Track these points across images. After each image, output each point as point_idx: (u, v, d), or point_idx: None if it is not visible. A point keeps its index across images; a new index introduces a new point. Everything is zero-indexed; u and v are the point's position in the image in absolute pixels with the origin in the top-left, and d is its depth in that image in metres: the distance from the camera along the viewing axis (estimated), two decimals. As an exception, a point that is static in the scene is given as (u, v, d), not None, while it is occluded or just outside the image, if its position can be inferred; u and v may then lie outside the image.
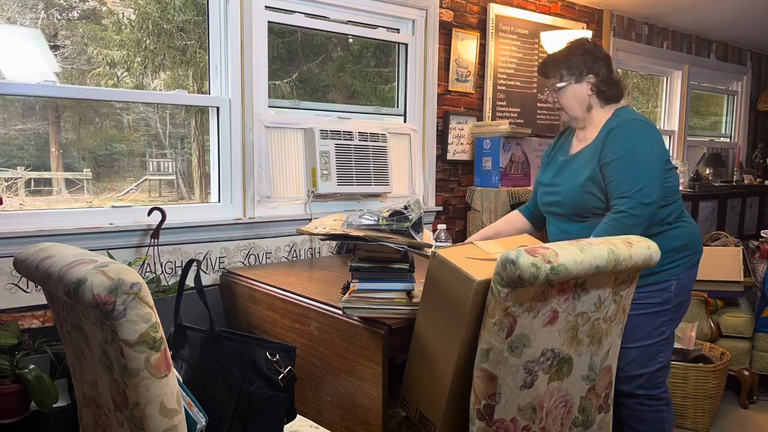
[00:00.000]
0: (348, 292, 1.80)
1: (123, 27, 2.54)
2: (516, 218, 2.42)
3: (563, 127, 2.38)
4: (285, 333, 2.14)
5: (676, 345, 2.96)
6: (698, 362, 2.92)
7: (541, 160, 2.37)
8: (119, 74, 2.56)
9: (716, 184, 5.07)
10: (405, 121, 3.33)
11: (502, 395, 1.47)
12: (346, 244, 2.93)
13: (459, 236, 3.52)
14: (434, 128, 3.37)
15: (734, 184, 5.34)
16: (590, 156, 2.08)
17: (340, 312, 1.87)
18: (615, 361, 1.71)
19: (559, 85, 2.15)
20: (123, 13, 2.53)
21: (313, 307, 2.00)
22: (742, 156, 5.93)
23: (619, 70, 4.57)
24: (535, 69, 3.85)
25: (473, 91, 3.53)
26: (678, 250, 2.05)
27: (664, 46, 4.90)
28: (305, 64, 3.07)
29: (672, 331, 2.10)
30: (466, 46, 3.45)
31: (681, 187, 4.62)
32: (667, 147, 5.39)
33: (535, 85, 3.87)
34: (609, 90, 2.13)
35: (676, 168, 2.16)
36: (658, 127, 5.26)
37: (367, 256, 1.76)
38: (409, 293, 1.77)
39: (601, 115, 2.13)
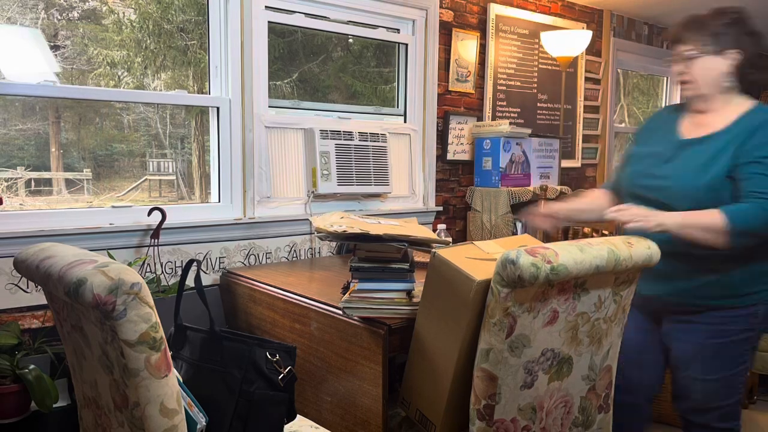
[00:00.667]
0: (348, 292, 1.80)
1: (123, 27, 2.54)
2: (601, 196, 2.09)
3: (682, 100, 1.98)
4: (285, 333, 2.14)
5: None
6: (698, 362, 2.91)
7: (635, 136, 2.05)
8: (120, 74, 2.56)
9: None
10: (405, 121, 3.33)
11: (502, 395, 1.47)
12: (346, 244, 2.93)
13: (459, 236, 3.52)
14: (434, 128, 3.37)
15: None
16: (722, 147, 1.74)
17: (340, 312, 1.87)
18: (615, 361, 1.70)
19: (692, 52, 1.78)
20: (123, 13, 2.54)
21: (313, 307, 2.00)
22: (742, 156, 5.92)
23: (619, 70, 4.57)
24: (536, 69, 3.85)
25: (473, 91, 3.54)
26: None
27: (664, 46, 4.90)
28: (305, 64, 3.07)
29: (751, 359, 1.87)
30: (466, 46, 3.46)
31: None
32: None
33: (535, 85, 3.87)
34: (752, 74, 1.78)
35: None
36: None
37: (367, 256, 1.76)
38: (409, 293, 1.77)
39: (735, 102, 1.80)
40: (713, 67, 1.78)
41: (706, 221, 1.64)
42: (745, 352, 1.83)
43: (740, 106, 1.80)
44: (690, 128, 1.86)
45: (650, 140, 1.95)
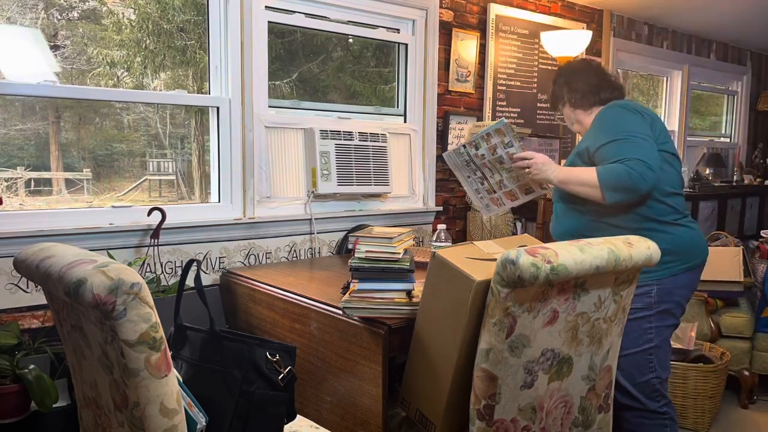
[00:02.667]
0: (348, 292, 1.80)
1: (123, 27, 2.54)
2: None
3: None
4: (285, 333, 2.14)
5: (677, 345, 2.95)
6: (698, 362, 2.92)
7: None
8: (119, 74, 2.56)
9: (716, 184, 5.07)
10: (405, 121, 3.33)
11: (502, 395, 1.47)
12: (345, 244, 2.93)
13: (459, 236, 3.52)
14: (434, 128, 3.37)
15: (734, 184, 5.34)
16: (583, 140, 2.14)
17: (340, 312, 1.87)
18: (615, 361, 1.70)
19: (557, 115, 2.30)
20: (123, 13, 2.54)
21: (313, 307, 2.00)
22: (742, 156, 5.93)
23: (619, 70, 4.57)
24: (536, 69, 3.86)
25: (473, 91, 3.53)
26: (662, 253, 1.87)
27: (664, 46, 4.90)
28: (305, 64, 3.07)
29: (662, 340, 2.01)
30: (466, 46, 3.46)
31: (681, 187, 4.62)
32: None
33: (535, 85, 3.87)
34: (590, 98, 2.19)
35: (677, 158, 2.10)
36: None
37: (367, 256, 1.76)
38: (409, 293, 1.77)
39: (589, 118, 2.19)
40: (565, 114, 2.31)
41: (583, 176, 1.98)
42: (647, 330, 1.99)
43: (592, 117, 2.19)
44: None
45: None
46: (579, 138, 2.32)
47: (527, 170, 2.13)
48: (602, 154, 1.97)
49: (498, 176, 2.23)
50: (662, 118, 5.27)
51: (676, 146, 2.21)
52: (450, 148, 3.43)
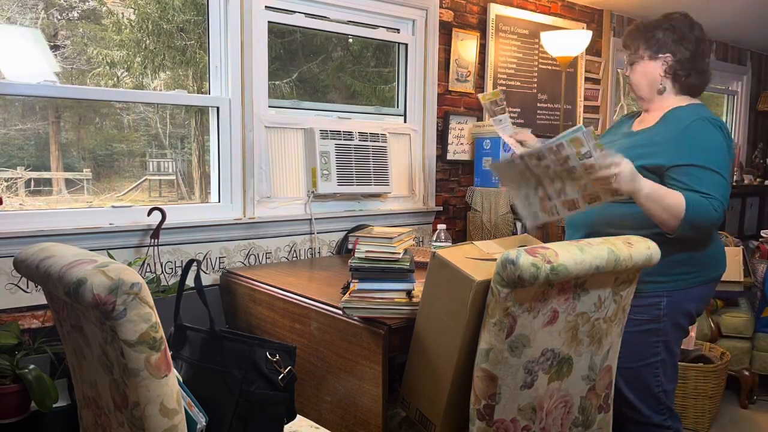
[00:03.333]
0: (348, 292, 1.80)
1: (123, 27, 2.54)
2: None
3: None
4: (285, 333, 2.14)
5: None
6: (698, 362, 2.92)
7: (605, 132, 2.16)
8: (119, 74, 2.56)
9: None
10: (405, 121, 3.33)
11: (502, 395, 1.47)
12: (346, 244, 2.93)
13: (459, 236, 3.52)
14: (434, 128, 3.37)
15: (734, 184, 5.34)
16: (648, 142, 1.83)
17: (340, 312, 1.87)
18: (615, 361, 1.70)
19: (632, 57, 1.92)
20: (123, 14, 2.54)
21: (313, 307, 2.00)
22: (742, 156, 5.93)
23: (619, 70, 4.57)
24: (536, 69, 3.85)
25: (473, 91, 3.53)
26: (677, 263, 1.81)
27: (664, 46, 4.90)
28: (305, 64, 3.07)
29: (669, 353, 1.89)
30: (466, 46, 3.46)
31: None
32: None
33: (536, 85, 3.87)
34: (687, 76, 1.88)
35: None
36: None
37: (367, 256, 1.76)
38: (409, 293, 1.77)
39: (668, 103, 1.89)
40: (648, 71, 1.90)
41: (671, 201, 1.70)
42: (654, 344, 1.86)
43: (675, 104, 1.88)
44: (636, 125, 1.99)
45: (608, 133, 2.10)
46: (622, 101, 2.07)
47: (611, 180, 1.65)
48: (683, 174, 1.75)
49: (559, 184, 1.74)
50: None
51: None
52: (450, 148, 3.43)
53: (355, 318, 1.81)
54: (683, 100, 1.90)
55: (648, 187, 1.69)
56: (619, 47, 4.46)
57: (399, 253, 1.75)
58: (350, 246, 2.81)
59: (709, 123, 1.80)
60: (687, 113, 1.84)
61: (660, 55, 1.89)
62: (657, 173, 1.80)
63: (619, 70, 4.57)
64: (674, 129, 1.82)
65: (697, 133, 1.78)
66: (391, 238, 1.76)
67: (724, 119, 5.97)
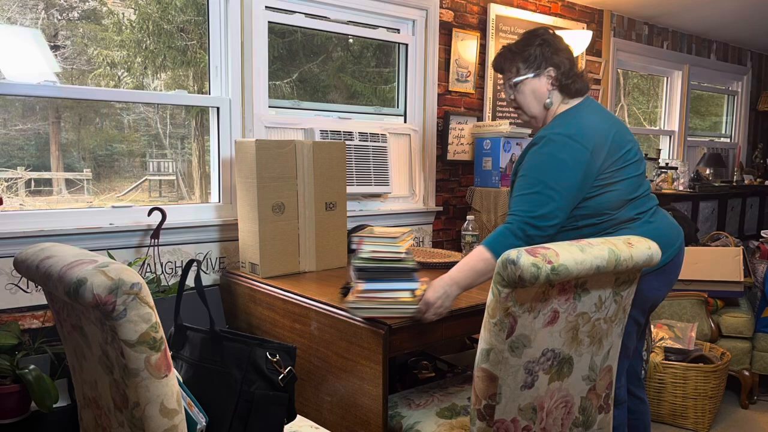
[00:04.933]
0: (352, 293, 1.80)
1: (123, 27, 2.54)
2: None
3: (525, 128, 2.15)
4: (285, 333, 2.14)
5: (676, 345, 2.96)
6: (698, 362, 2.91)
7: None
8: (119, 75, 2.56)
9: (716, 185, 5.06)
10: (405, 121, 3.33)
11: (503, 395, 1.47)
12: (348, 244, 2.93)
13: (459, 236, 3.52)
14: (434, 128, 3.37)
15: (734, 184, 5.34)
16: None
17: (340, 312, 1.87)
18: (615, 361, 1.70)
19: (515, 79, 1.94)
20: (123, 14, 2.53)
21: (313, 307, 1.99)
22: (742, 156, 5.93)
23: (619, 70, 4.57)
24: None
25: (473, 92, 3.54)
26: None
27: (664, 46, 4.90)
28: (305, 64, 3.07)
29: (634, 344, 1.92)
30: (466, 46, 3.46)
31: (681, 187, 4.62)
32: (618, 149, 5.24)
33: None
34: (572, 83, 1.92)
35: (628, 177, 1.87)
36: (656, 126, 5.26)
37: (372, 256, 1.76)
38: (413, 292, 1.77)
39: (552, 116, 1.95)
40: (536, 88, 1.92)
41: (475, 264, 1.74)
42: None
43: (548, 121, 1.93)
44: None
45: None
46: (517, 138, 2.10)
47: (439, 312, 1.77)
48: (516, 191, 1.83)
49: None
50: (662, 118, 5.27)
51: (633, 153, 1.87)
52: (450, 148, 3.43)
53: (356, 318, 1.81)
54: (560, 108, 1.94)
55: (455, 276, 1.75)
56: (620, 47, 4.47)
57: (403, 253, 1.75)
58: (353, 246, 2.81)
59: (545, 141, 1.81)
60: (542, 131, 1.87)
61: (543, 71, 1.91)
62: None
63: (619, 70, 4.57)
64: (531, 147, 1.88)
65: (529, 151, 1.86)
66: (396, 238, 1.76)
67: (724, 119, 5.98)
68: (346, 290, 1.99)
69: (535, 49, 1.92)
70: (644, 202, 1.89)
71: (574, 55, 1.97)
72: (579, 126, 1.83)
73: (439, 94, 3.37)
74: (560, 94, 1.94)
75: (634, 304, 1.83)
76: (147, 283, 1.99)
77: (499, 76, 2.33)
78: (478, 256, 1.75)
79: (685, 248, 2.08)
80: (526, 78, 1.93)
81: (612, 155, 1.82)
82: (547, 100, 1.93)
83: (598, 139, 1.81)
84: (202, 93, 2.72)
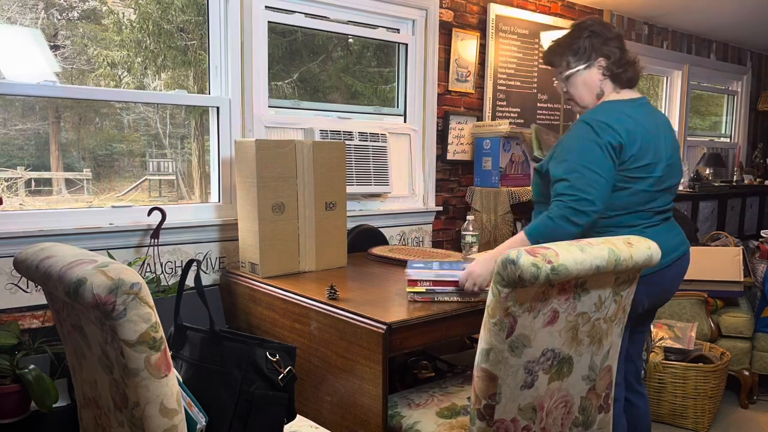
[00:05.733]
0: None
1: (123, 27, 2.54)
2: None
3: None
4: (285, 333, 2.14)
5: (676, 345, 2.96)
6: (698, 362, 2.91)
7: None
8: (120, 75, 2.56)
9: (716, 184, 5.07)
10: (405, 121, 3.33)
11: (503, 395, 1.47)
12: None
13: (459, 236, 3.52)
14: (434, 128, 3.37)
15: (734, 184, 5.34)
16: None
17: (340, 312, 1.87)
18: (615, 361, 1.70)
19: (566, 73, 1.97)
20: (123, 14, 2.53)
21: (313, 307, 1.99)
22: (742, 156, 5.93)
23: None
24: (536, 69, 3.85)
25: (473, 91, 3.54)
26: None
27: (664, 46, 4.90)
28: (306, 64, 3.07)
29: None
30: (466, 46, 3.46)
31: (681, 187, 4.62)
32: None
33: (536, 85, 3.87)
34: (624, 72, 1.94)
35: (646, 183, 1.88)
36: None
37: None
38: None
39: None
40: (587, 79, 1.95)
41: (512, 243, 1.85)
42: None
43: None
44: None
45: None
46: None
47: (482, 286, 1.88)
48: (552, 167, 1.87)
49: None
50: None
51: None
52: (450, 148, 3.43)
53: (357, 318, 1.81)
54: (609, 98, 1.96)
55: (495, 254, 1.87)
56: (619, 47, 4.47)
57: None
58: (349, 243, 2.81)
59: (582, 124, 1.86)
60: (581, 116, 1.90)
61: (594, 62, 1.94)
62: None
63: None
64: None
65: (566, 134, 1.89)
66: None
67: (724, 119, 5.97)
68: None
69: (583, 41, 1.93)
70: (650, 216, 1.91)
71: (623, 41, 1.98)
72: (616, 116, 1.85)
73: (439, 94, 3.37)
74: (612, 83, 1.96)
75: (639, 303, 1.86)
76: (147, 283, 1.99)
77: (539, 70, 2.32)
78: (520, 240, 1.83)
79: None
80: (577, 70, 1.95)
81: (635, 161, 1.84)
82: (599, 90, 1.95)
83: (626, 137, 1.83)
84: (202, 93, 2.72)
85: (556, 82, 2.04)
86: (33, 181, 2.42)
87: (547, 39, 3.59)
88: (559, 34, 3.54)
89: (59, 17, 2.41)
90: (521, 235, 1.85)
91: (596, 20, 1.99)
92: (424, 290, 1.94)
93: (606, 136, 1.81)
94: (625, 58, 1.95)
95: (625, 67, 1.95)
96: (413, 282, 1.95)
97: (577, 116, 1.97)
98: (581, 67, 1.95)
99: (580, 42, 1.94)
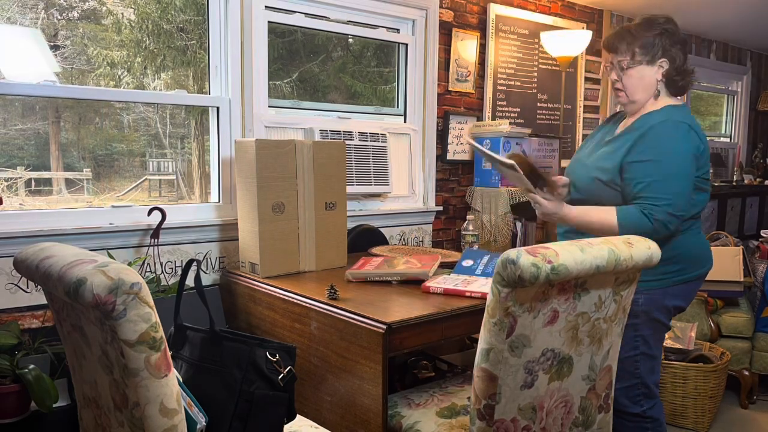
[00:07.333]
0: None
1: (123, 27, 2.54)
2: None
3: (618, 109, 2.19)
4: (285, 333, 2.14)
5: (677, 345, 2.95)
6: (698, 362, 2.91)
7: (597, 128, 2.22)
8: (119, 74, 2.56)
9: (716, 184, 5.07)
10: (405, 121, 3.33)
11: (503, 395, 1.47)
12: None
13: (459, 236, 3.52)
14: (434, 128, 3.37)
15: (734, 184, 5.34)
16: (620, 146, 1.91)
17: (340, 311, 1.87)
18: (615, 361, 1.70)
19: (629, 63, 1.92)
20: (123, 14, 2.53)
21: (313, 307, 1.99)
22: (742, 156, 5.93)
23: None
24: (536, 69, 3.85)
25: (473, 91, 3.53)
26: (662, 261, 1.76)
27: (664, 46, 4.90)
28: (305, 64, 3.07)
29: (651, 348, 1.95)
30: (466, 46, 3.46)
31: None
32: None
33: (535, 85, 3.87)
34: (681, 79, 1.93)
35: (709, 181, 1.95)
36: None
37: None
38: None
39: (653, 105, 1.94)
40: (646, 75, 1.92)
41: (601, 218, 1.86)
42: (632, 338, 1.90)
43: (649, 109, 1.93)
44: (620, 129, 2.02)
45: (596, 133, 2.14)
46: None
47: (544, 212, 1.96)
48: (633, 170, 1.84)
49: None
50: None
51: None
52: (450, 147, 3.43)
53: (357, 317, 1.81)
54: (666, 102, 1.94)
55: (574, 213, 1.91)
56: (619, 47, 4.46)
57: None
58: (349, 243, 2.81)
59: (673, 126, 1.83)
60: (657, 116, 1.88)
61: (657, 60, 1.91)
62: (612, 173, 1.89)
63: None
64: (639, 131, 1.88)
65: (657, 134, 1.83)
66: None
67: (724, 119, 5.97)
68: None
69: (655, 37, 1.91)
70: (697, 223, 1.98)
71: (687, 48, 1.99)
72: (693, 122, 1.87)
73: (438, 94, 3.37)
74: (666, 87, 1.95)
75: (675, 308, 1.95)
76: (147, 282, 1.99)
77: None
78: (605, 213, 1.85)
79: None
80: (640, 64, 1.92)
81: (708, 161, 1.90)
82: (656, 91, 1.93)
83: (704, 140, 1.87)
84: (202, 93, 2.72)
85: (608, 67, 2.00)
86: (33, 181, 2.42)
87: (547, 39, 3.59)
88: (559, 33, 3.55)
89: (59, 17, 2.41)
90: (613, 215, 1.83)
91: (670, 19, 1.97)
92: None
93: (696, 141, 1.83)
94: (685, 66, 1.93)
95: (683, 75, 1.93)
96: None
97: (618, 108, 2.00)
98: (644, 62, 1.91)
99: (651, 37, 1.90)
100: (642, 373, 1.96)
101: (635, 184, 1.83)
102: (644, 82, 1.92)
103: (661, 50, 1.90)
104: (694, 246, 1.95)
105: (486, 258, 2.28)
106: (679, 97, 1.98)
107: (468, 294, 1.98)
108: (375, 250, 2.79)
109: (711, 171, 1.99)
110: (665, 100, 1.95)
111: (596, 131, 2.17)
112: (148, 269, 2.43)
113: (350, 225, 3.00)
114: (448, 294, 2.02)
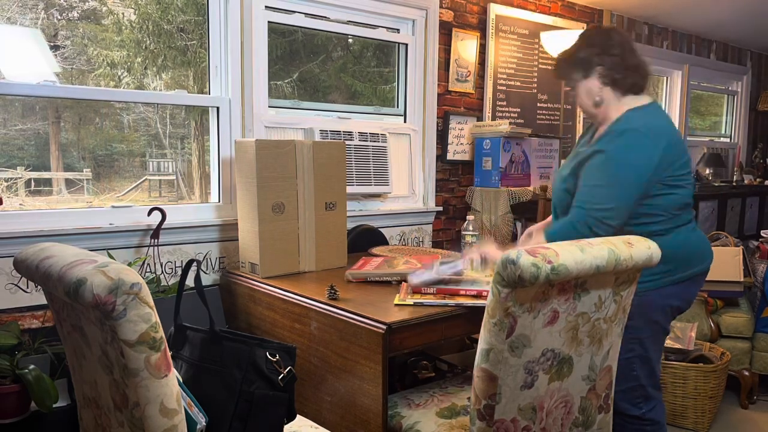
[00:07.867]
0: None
1: (123, 27, 2.54)
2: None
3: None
4: (285, 333, 2.14)
5: (677, 345, 2.95)
6: (698, 362, 2.91)
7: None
8: (120, 75, 2.56)
9: (716, 184, 5.06)
10: (405, 121, 3.33)
11: (503, 395, 1.47)
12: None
13: (459, 236, 3.52)
14: (434, 128, 3.37)
15: (734, 184, 5.34)
16: (586, 157, 1.93)
17: (340, 312, 1.87)
18: (615, 361, 1.70)
19: (570, 84, 2.03)
20: (123, 14, 2.53)
21: (313, 307, 1.99)
22: (742, 156, 5.93)
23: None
24: (536, 69, 3.86)
25: (473, 91, 3.53)
26: None
27: (664, 46, 4.90)
28: (305, 64, 3.07)
29: (647, 351, 1.94)
30: (466, 46, 3.46)
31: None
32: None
33: (535, 85, 3.87)
34: (624, 78, 1.93)
35: (689, 182, 1.95)
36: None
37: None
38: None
39: (614, 111, 1.96)
40: (588, 88, 1.98)
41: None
42: (627, 341, 1.86)
43: (618, 112, 1.94)
44: (594, 140, 2.02)
45: (576, 146, 2.17)
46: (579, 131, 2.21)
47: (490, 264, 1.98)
48: (584, 182, 1.90)
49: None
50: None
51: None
52: (450, 148, 3.43)
53: (356, 318, 1.81)
54: (627, 104, 1.95)
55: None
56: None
57: None
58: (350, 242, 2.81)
59: (624, 135, 1.85)
60: (614, 126, 1.91)
61: (591, 71, 1.97)
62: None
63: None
64: (602, 140, 1.91)
65: (609, 141, 1.87)
66: None
67: (724, 119, 5.97)
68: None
69: (581, 51, 1.98)
70: (690, 211, 1.97)
71: (630, 45, 1.98)
72: (650, 124, 1.87)
73: (438, 94, 3.37)
74: (613, 89, 1.96)
75: (673, 309, 1.95)
76: (147, 283, 1.99)
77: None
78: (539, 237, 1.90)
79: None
80: (578, 81, 2.00)
81: (680, 157, 1.89)
82: (597, 98, 1.97)
83: (669, 138, 1.87)
84: (202, 93, 2.72)
85: (566, 95, 2.10)
86: (33, 181, 2.42)
87: (547, 39, 3.59)
88: (559, 33, 3.55)
89: (59, 17, 2.41)
90: (542, 238, 1.89)
91: (599, 30, 2.04)
92: (412, 303, 1.91)
93: (648, 148, 1.84)
94: (625, 64, 1.93)
95: (626, 72, 1.94)
96: (417, 290, 1.97)
97: (600, 128, 2.02)
98: (580, 77, 1.99)
99: (579, 53, 1.98)
100: (640, 375, 1.96)
101: (580, 184, 1.90)
102: (590, 95, 1.99)
103: (593, 60, 1.95)
104: (683, 245, 1.93)
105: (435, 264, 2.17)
106: (641, 95, 1.98)
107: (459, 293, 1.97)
108: (375, 250, 2.79)
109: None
110: (628, 103, 1.95)
111: (576, 144, 2.21)
112: (148, 269, 2.43)
113: (350, 225, 3.00)
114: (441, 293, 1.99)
